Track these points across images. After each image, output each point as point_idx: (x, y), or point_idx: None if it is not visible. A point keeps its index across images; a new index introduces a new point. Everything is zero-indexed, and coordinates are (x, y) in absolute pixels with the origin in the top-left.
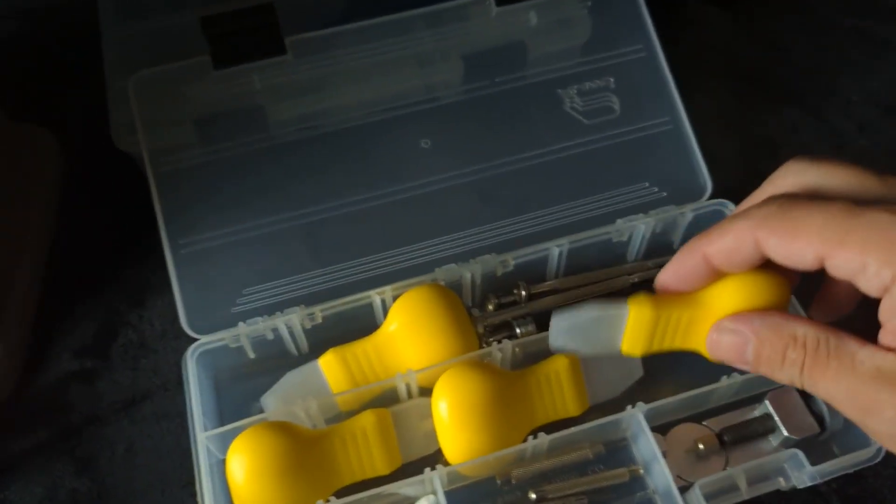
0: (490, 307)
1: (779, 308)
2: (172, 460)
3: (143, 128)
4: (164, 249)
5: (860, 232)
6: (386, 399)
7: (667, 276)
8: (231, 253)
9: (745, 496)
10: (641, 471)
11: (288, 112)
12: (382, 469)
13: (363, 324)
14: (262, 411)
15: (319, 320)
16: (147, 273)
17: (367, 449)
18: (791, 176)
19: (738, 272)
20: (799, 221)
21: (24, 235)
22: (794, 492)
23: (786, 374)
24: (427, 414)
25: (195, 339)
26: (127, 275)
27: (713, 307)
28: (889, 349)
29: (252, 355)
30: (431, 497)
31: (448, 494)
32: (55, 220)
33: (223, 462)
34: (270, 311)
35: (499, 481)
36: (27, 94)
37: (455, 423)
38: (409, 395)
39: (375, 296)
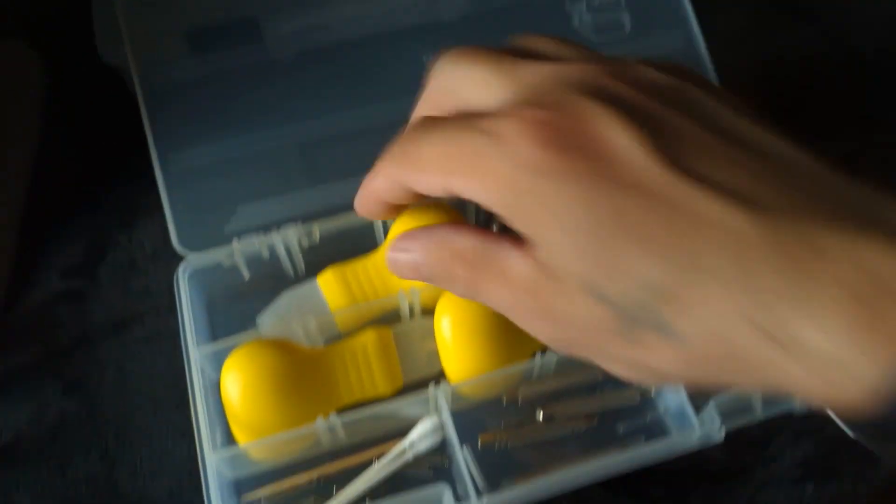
0: (494, 227)
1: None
2: (164, 382)
3: (131, 40)
4: (154, 167)
5: (463, 159)
6: (386, 320)
7: (358, 209)
8: (224, 170)
9: (760, 416)
10: (653, 391)
11: (285, 25)
12: (384, 389)
13: (363, 243)
14: (258, 332)
15: (317, 238)
16: (137, 193)
17: (367, 368)
18: (435, 88)
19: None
20: (419, 156)
21: (6, 153)
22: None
23: (459, 290)
24: (429, 334)
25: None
26: (116, 195)
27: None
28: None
29: (247, 275)
30: (434, 417)
31: (452, 416)
32: (38, 139)
33: (217, 383)
34: (265, 230)
35: (504, 401)
36: (5, 8)
37: (459, 341)
38: (412, 315)
39: None
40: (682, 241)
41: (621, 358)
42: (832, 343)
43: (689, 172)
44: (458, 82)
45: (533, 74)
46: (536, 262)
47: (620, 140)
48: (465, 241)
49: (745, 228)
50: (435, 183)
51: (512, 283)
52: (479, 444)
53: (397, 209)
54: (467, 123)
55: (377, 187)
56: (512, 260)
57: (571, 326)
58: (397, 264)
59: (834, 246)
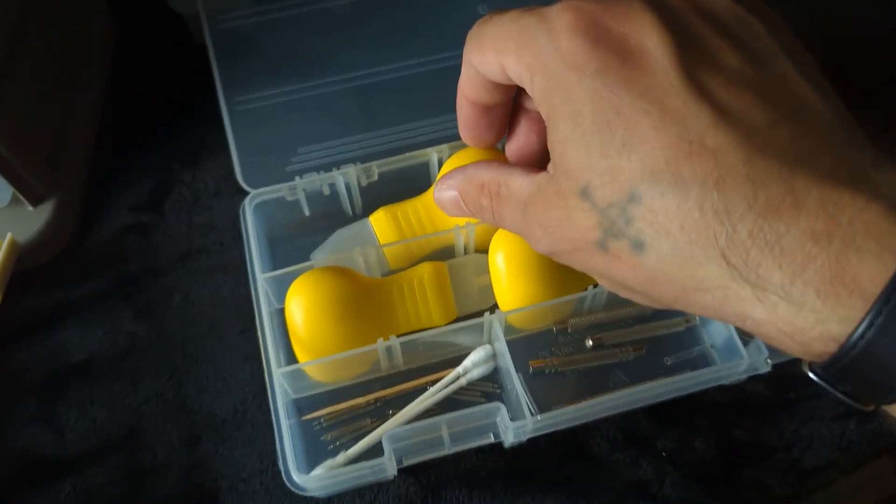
0: None
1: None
2: (228, 309)
3: None
4: (220, 106)
5: (516, 39)
6: (438, 258)
7: (463, 136)
8: (286, 113)
9: None
10: (697, 318)
11: None
12: (438, 320)
13: (419, 184)
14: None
15: (375, 177)
16: (201, 135)
17: (423, 299)
18: None
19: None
20: (483, 35)
21: (79, 96)
22: None
23: (488, 219)
24: (483, 270)
25: (250, 194)
26: (181, 136)
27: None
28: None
29: (307, 212)
30: (488, 346)
31: (506, 344)
32: (107, 81)
33: (279, 311)
34: (326, 170)
35: (555, 330)
36: None
37: (512, 274)
38: (465, 252)
39: (433, 153)
40: (667, 151)
41: (596, 269)
42: (796, 289)
43: (698, 85)
44: None
45: None
46: (541, 177)
47: (649, 42)
48: (487, 174)
49: (731, 154)
50: (493, 62)
51: (519, 201)
52: (531, 369)
53: (485, 113)
54: (528, 9)
55: (461, 81)
56: (519, 180)
57: (561, 235)
58: (441, 202)
59: (815, 198)
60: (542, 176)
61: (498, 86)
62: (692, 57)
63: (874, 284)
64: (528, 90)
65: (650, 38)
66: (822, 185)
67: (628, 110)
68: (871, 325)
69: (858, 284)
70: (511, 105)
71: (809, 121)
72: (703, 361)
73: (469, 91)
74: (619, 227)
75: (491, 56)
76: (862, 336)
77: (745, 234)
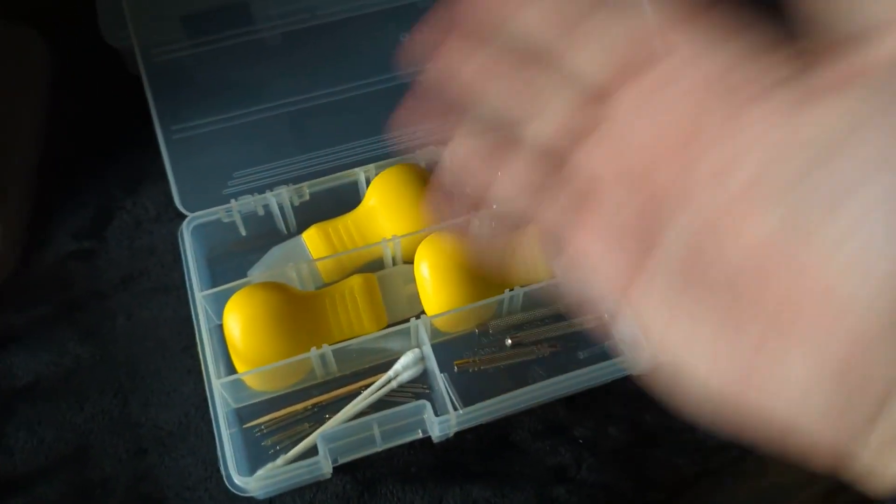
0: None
1: None
2: (171, 328)
3: (133, 23)
4: (156, 135)
5: None
6: (368, 270)
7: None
8: (221, 140)
9: None
10: (605, 317)
11: (272, 8)
12: (370, 328)
13: (349, 202)
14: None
15: (307, 196)
16: (140, 163)
17: (355, 309)
18: None
19: None
20: None
21: (17, 128)
22: None
23: None
24: (410, 279)
25: (188, 217)
26: (120, 165)
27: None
28: None
29: (243, 232)
30: (416, 350)
31: (432, 346)
32: (46, 111)
33: (219, 327)
34: (260, 191)
35: (477, 332)
36: None
37: (436, 281)
38: (394, 263)
39: (361, 172)
40: None
41: None
42: None
43: None
44: None
45: None
46: None
47: None
48: None
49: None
50: None
51: None
52: (455, 369)
53: None
54: None
55: None
56: None
57: None
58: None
59: None
60: None
61: None
62: None
63: None
64: None
65: None
66: None
67: None
68: None
69: None
70: None
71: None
72: (613, 354)
73: None
74: None
75: None
76: None
77: None
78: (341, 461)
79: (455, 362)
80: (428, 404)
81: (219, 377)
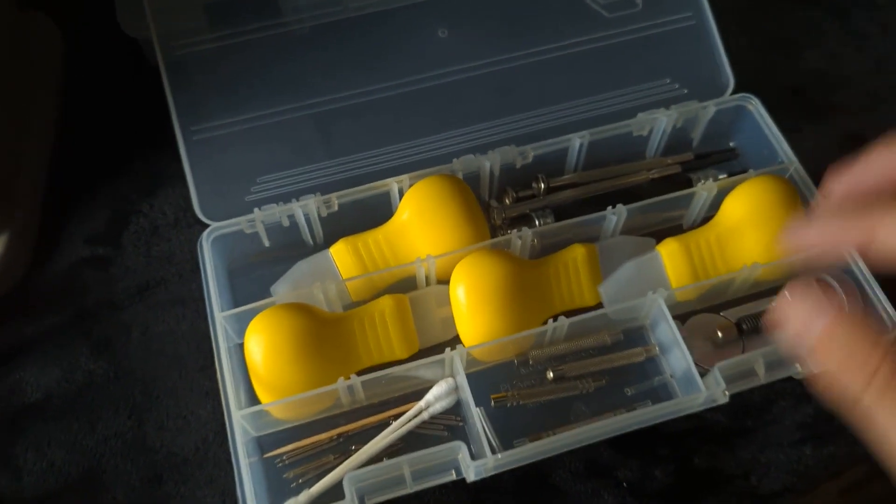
0: (508, 200)
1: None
2: (188, 344)
3: (152, 12)
4: (176, 137)
5: None
6: (400, 289)
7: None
8: (244, 141)
9: (763, 381)
10: (657, 349)
11: None
12: (401, 353)
13: (380, 214)
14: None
15: (336, 207)
16: (159, 164)
17: (385, 332)
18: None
19: None
20: None
21: (30, 123)
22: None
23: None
24: (444, 301)
25: (209, 227)
26: (138, 165)
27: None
28: None
29: (267, 243)
30: (450, 380)
31: (467, 377)
32: (61, 109)
33: (240, 346)
34: (285, 200)
35: (516, 362)
36: None
37: (473, 307)
38: (427, 283)
39: (394, 183)
40: None
41: None
42: None
43: None
44: None
45: None
46: None
47: None
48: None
49: None
50: None
51: None
52: (492, 403)
53: None
54: None
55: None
56: None
57: None
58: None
59: None
60: None
61: None
62: None
63: None
64: None
65: None
66: None
67: None
68: None
69: None
70: None
71: None
72: (663, 391)
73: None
74: None
75: None
76: None
77: None
78: (369, 502)
79: (492, 396)
80: (463, 446)
81: (239, 407)
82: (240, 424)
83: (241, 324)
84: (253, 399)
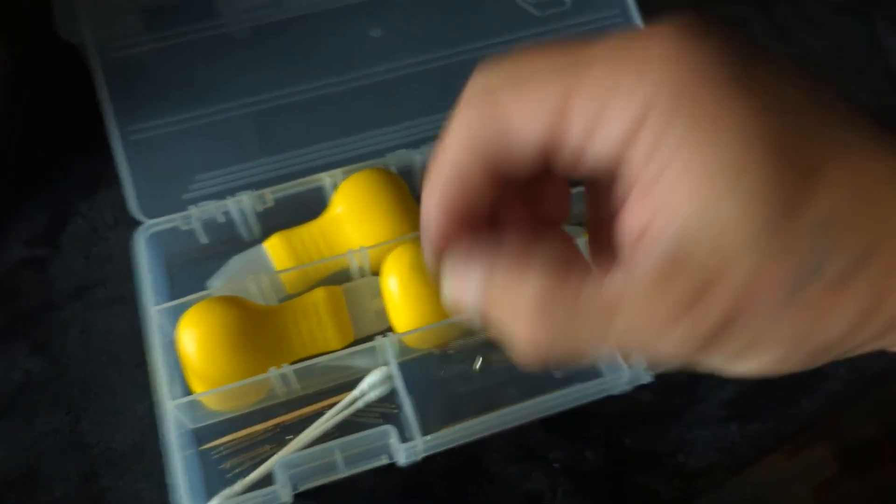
0: None
1: None
2: (126, 342)
3: (87, 16)
4: (111, 137)
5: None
6: (336, 281)
7: (438, 232)
8: (181, 141)
9: None
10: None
11: (238, 1)
12: (335, 344)
13: (315, 209)
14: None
15: (270, 203)
16: (98, 165)
17: (319, 323)
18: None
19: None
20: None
21: None
22: None
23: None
24: (377, 293)
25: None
26: (78, 167)
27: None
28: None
29: (204, 240)
30: (383, 368)
31: (399, 365)
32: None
33: (175, 341)
34: (222, 196)
35: (447, 351)
36: None
37: (405, 296)
38: (362, 275)
39: (326, 178)
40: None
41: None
42: None
43: None
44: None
45: None
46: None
47: None
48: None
49: None
50: (547, 107)
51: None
52: (424, 390)
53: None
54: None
55: (459, 146)
56: (586, 294)
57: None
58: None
59: None
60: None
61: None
62: None
63: None
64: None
65: None
66: None
67: None
68: None
69: None
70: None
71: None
72: (592, 373)
73: (487, 158)
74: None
75: (548, 100)
76: None
77: None
78: (302, 488)
79: (423, 383)
80: (393, 429)
81: (171, 398)
82: (173, 415)
83: (177, 318)
84: (187, 392)
